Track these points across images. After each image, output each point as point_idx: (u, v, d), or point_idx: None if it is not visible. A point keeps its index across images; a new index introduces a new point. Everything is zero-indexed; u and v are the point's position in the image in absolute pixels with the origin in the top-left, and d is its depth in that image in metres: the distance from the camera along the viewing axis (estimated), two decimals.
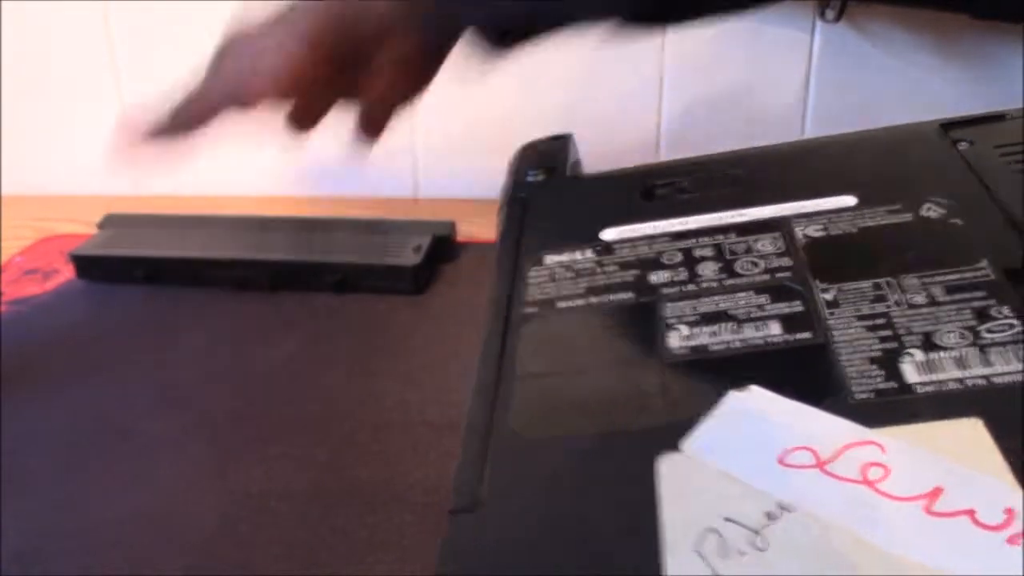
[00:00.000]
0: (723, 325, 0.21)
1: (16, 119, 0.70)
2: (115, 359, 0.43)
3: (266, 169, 0.70)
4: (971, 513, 0.15)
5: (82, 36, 0.67)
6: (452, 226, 0.54)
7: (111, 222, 0.54)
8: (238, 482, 0.34)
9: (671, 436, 0.18)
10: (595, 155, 0.67)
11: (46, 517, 0.32)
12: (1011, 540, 0.14)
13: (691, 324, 0.22)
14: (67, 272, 0.52)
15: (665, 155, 0.67)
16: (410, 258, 0.49)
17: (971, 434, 0.17)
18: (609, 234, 0.26)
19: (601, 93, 0.66)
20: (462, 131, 0.68)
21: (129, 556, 0.30)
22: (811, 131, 0.65)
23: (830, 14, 0.60)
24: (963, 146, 0.27)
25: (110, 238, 0.53)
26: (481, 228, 0.54)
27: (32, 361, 0.43)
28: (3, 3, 0.66)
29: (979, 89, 0.60)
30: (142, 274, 0.50)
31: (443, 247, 0.52)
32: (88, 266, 0.51)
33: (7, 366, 0.42)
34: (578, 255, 0.26)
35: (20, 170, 0.70)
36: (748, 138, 0.65)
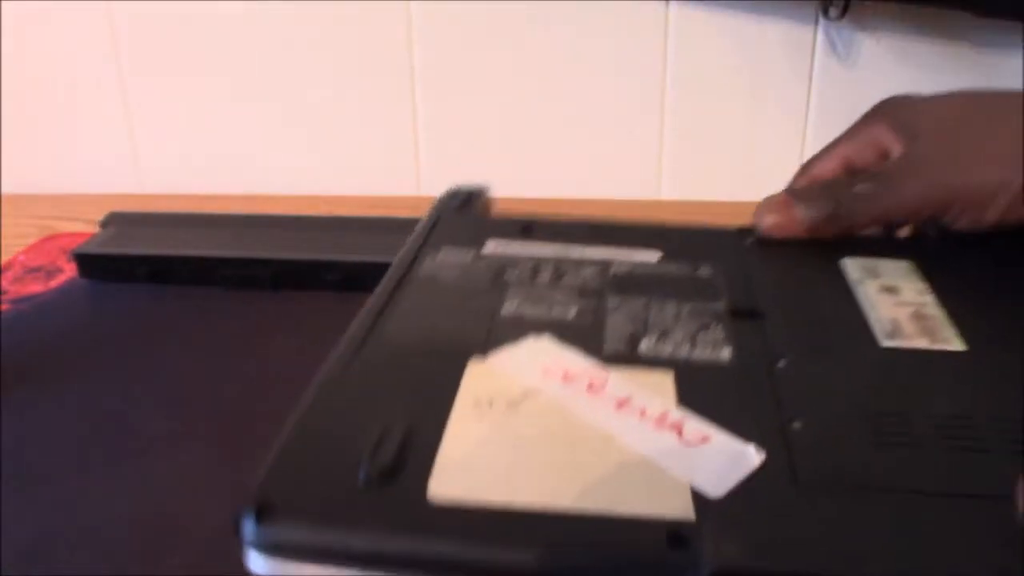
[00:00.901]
0: (538, 305, 0.34)
1: (18, 117, 0.70)
2: (118, 358, 0.43)
3: (268, 167, 0.70)
4: (643, 410, 0.27)
5: (85, 33, 0.67)
6: None
7: (114, 220, 0.54)
8: (239, 482, 0.34)
9: (485, 354, 0.30)
10: (599, 147, 0.67)
11: (48, 516, 0.32)
12: (661, 426, 0.26)
13: (519, 302, 0.34)
14: (70, 271, 0.52)
15: (668, 150, 0.67)
16: None
17: (662, 379, 0.29)
18: (489, 247, 0.39)
19: (604, 91, 0.66)
20: (465, 129, 0.68)
21: (130, 555, 0.30)
22: (813, 127, 0.65)
23: (833, 12, 0.60)
24: (749, 240, 0.39)
25: (113, 237, 0.53)
26: None
27: (34, 360, 0.43)
28: (4, 1, 0.66)
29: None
30: (145, 273, 0.50)
31: None
32: (91, 264, 0.51)
33: (9, 365, 0.42)
34: (463, 255, 0.38)
35: (22, 168, 0.71)
36: (750, 134, 0.66)
